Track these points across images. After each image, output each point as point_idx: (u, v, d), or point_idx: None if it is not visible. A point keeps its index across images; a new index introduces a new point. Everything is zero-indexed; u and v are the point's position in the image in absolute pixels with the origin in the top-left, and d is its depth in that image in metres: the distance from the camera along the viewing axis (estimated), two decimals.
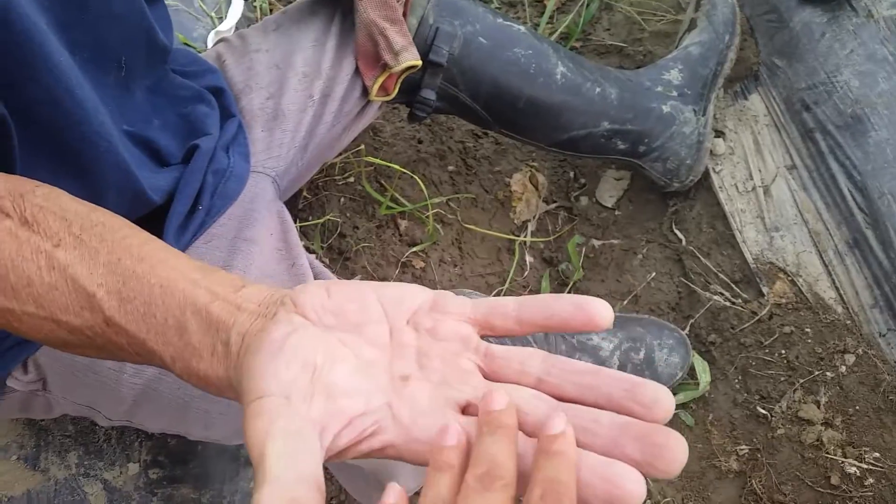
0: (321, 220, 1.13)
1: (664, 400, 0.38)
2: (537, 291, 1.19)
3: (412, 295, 0.45)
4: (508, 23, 1.05)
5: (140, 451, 0.86)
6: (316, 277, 0.77)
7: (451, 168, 1.30)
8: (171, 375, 0.61)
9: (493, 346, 0.43)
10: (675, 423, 1.07)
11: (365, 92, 0.94)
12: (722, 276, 1.14)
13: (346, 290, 0.44)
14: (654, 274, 1.18)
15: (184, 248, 0.74)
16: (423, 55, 0.96)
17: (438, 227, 1.20)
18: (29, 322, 0.46)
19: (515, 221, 1.25)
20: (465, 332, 0.43)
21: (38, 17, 0.52)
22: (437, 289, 0.47)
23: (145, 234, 0.49)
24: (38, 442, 0.86)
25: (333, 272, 0.87)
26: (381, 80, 0.92)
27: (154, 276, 0.44)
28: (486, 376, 0.42)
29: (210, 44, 1.17)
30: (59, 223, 0.47)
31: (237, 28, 1.21)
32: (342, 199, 1.19)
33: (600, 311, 0.41)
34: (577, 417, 0.38)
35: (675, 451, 0.35)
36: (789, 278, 1.09)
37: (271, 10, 1.33)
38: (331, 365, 0.40)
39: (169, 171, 0.75)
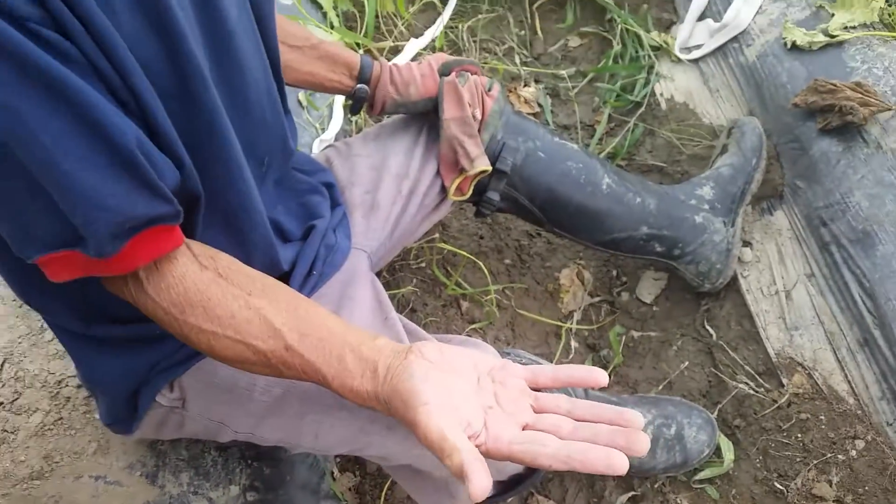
0: (400, 291, 1.32)
1: (637, 417, 0.64)
2: None
3: (491, 358, 0.72)
4: (563, 141, 1.26)
5: (241, 476, 1.03)
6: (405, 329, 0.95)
7: (507, 261, 1.49)
8: (293, 396, 0.81)
9: (539, 393, 0.70)
10: (701, 496, 1.19)
11: (443, 190, 1.15)
12: (747, 367, 1.28)
13: (452, 349, 0.70)
14: (686, 363, 1.32)
15: None
16: (491, 164, 1.17)
17: (495, 310, 1.37)
18: (224, 343, 0.68)
19: (563, 311, 1.41)
20: (522, 385, 0.70)
21: (221, 110, 0.72)
22: None
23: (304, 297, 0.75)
24: (157, 462, 1.03)
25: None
26: (457, 181, 1.13)
27: (321, 322, 0.70)
28: (536, 411, 0.69)
29: (315, 148, 1.41)
30: (246, 280, 0.70)
31: (336, 137, 1.45)
32: (414, 280, 1.39)
33: (599, 372, 0.68)
34: (589, 427, 0.64)
35: (644, 443, 0.62)
36: (807, 372, 1.22)
37: (365, 123, 1.57)
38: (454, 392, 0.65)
39: (292, 246, 0.95)
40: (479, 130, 1.15)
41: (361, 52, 1.07)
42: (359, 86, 1.07)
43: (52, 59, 0.53)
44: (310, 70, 1.04)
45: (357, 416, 0.88)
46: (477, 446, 0.62)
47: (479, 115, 1.12)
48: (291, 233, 0.97)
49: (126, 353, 0.85)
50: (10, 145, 0.55)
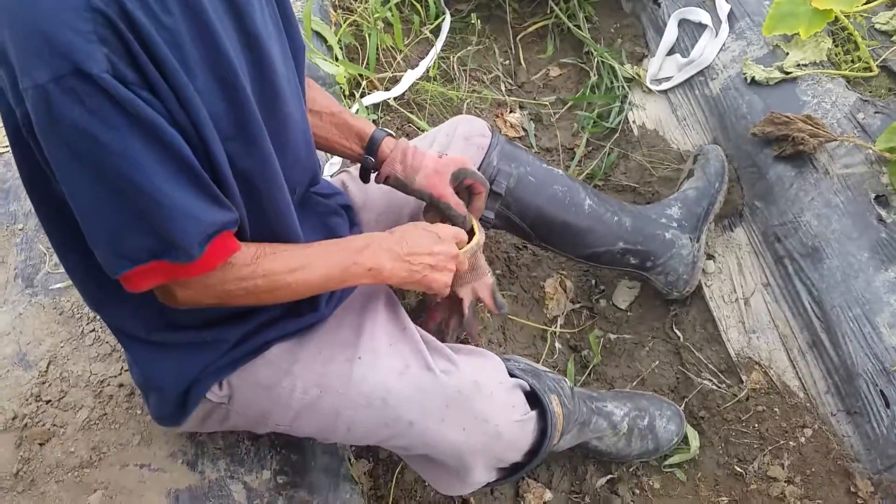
0: (405, 301, 1.46)
1: None
2: (564, 372, 1.50)
3: None
4: (550, 167, 1.42)
5: (272, 462, 1.17)
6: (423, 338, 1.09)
7: (498, 271, 1.64)
8: (330, 395, 0.96)
9: None
10: (670, 479, 1.35)
11: None
12: (711, 366, 1.45)
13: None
14: (657, 363, 1.49)
15: (330, 312, 1.08)
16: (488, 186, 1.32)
17: (488, 315, 1.53)
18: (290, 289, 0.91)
19: (548, 316, 1.58)
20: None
21: (271, 149, 0.88)
22: None
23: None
24: (196, 451, 1.17)
25: None
26: None
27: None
28: None
29: (326, 171, 1.55)
30: (280, 248, 0.92)
31: (343, 164, 1.59)
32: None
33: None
34: None
35: None
36: (763, 370, 1.39)
37: None
38: None
39: None
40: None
41: (373, 118, 1.17)
42: (365, 156, 1.15)
43: (149, 108, 0.70)
44: (325, 135, 1.15)
45: (382, 413, 1.02)
46: None
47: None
48: None
49: (182, 356, 0.99)
50: (117, 176, 0.71)
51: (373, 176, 1.17)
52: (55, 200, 0.83)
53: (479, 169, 1.32)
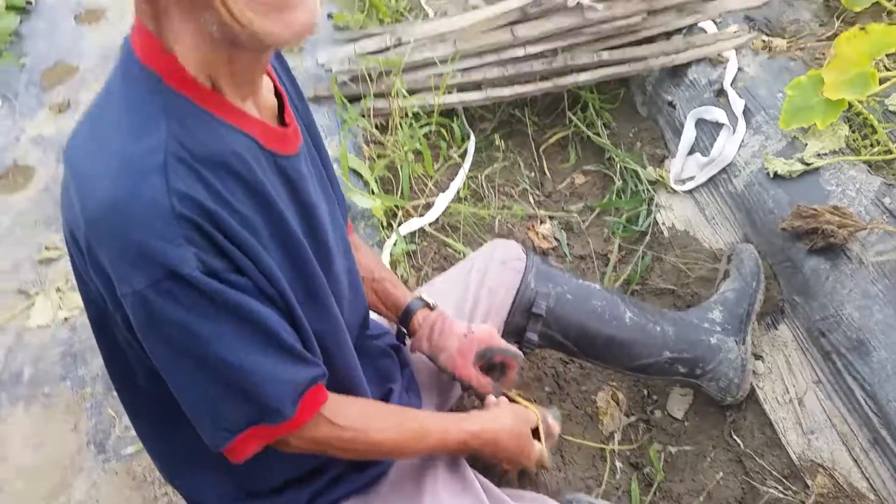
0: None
1: None
2: (628, 494, 1.49)
3: None
4: (587, 283, 1.46)
5: None
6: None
7: (547, 388, 1.66)
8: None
9: None
10: None
11: None
12: (774, 473, 1.43)
13: None
14: (721, 474, 1.48)
15: (391, 464, 1.11)
16: (527, 309, 1.37)
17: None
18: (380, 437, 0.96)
19: (603, 432, 1.58)
20: None
21: (336, 308, 0.94)
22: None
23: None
24: None
25: None
26: None
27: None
28: None
29: None
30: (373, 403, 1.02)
31: None
32: None
33: None
34: None
35: None
36: (827, 472, 1.37)
37: (417, 281, 1.79)
38: None
39: None
40: None
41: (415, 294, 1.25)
42: (399, 325, 1.25)
43: (236, 292, 0.77)
44: (367, 298, 1.21)
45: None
46: None
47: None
48: (372, 395, 1.16)
49: None
50: (214, 358, 0.77)
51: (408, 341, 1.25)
52: (132, 377, 0.90)
53: (517, 292, 1.37)
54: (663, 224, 1.96)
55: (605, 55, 2.09)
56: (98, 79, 2.44)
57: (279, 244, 0.84)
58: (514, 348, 1.24)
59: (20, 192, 2.04)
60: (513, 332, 1.39)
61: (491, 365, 1.24)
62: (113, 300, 0.77)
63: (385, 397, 1.17)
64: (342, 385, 0.98)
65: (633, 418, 1.61)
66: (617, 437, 1.57)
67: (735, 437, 1.50)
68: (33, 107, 2.33)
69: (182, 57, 0.73)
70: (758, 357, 1.57)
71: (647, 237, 1.95)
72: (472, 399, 1.43)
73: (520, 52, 2.10)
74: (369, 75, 2.08)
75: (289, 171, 0.86)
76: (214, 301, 0.75)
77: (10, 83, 2.41)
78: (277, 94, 0.90)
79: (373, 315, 1.24)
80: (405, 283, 1.77)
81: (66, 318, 1.71)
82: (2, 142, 2.19)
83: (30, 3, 2.72)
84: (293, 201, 0.88)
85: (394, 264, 1.80)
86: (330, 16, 2.49)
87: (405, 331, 1.24)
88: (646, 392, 1.65)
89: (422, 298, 1.23)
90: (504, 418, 1.12)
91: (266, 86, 0.88)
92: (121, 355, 0.88)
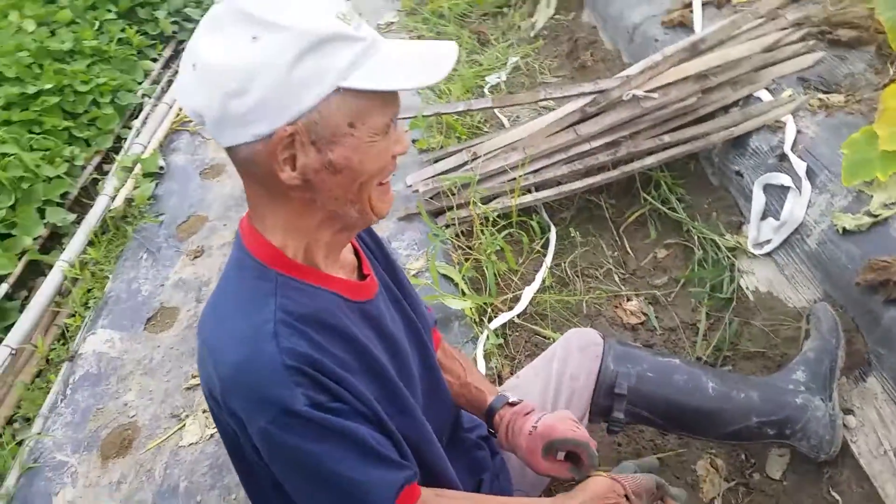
0: None
1: None
2: None
3: None
4: (666, 359, 1.56)
5: None
6: None
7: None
8: None
9: None
10: None
11: None
12: None
13: None
14: None
15: None
16: (610, 390, 1.48)
17: None
18: None
19: (704, 499, 1.64)
20: None
21: (423, 418, 1.11)
22: None
23: None
24: None
25: None
26: None
27: None
28: None
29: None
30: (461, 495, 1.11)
31: None
32: None
33: None
34: None
35: None
36: None
37: (502, 367, 1.94)
38: None
39: None
40: None
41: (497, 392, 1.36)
42: (486, 424, 1.37)
43: (337, 418, 0.95)
44: (454, 398, 1.37)
45: None
46: None
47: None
48: (465, 485, 1.31)
49: None
50: (325, 472, 0.96)
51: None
52: (264, 492, 1.09)
53: (597, 375, 1.49)
54: (747, 288, 2.02)
55: (667, 137, 2.23)
56: (225, 225, 2.82)
57: (368, 371, 1.02)
58: (576, 436, 1.26)
59: (167, 331, 2.38)
60: (599, 412, 1.50)
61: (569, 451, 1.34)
62: (244, 434, 0.98)
63: (477, 487, 1.31)
64: (435, 479, 1.14)
65: (732, 483, 1.66)
66: (717, 502, 1.62)
67: (833, 492, 1.52)
68: (172, 256, 2.71)
69: (280, 243, 0.97)
70: (848, 411, 1.59)
71: (733, 303, 2.01)
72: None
73: (585, 146, 2.27)
74: (451, 190, 2.31)
75: (371, 312, 1.07)
76: (321, 427, 0.94)
77: (153, 239, 2.82)
78: (356, 251, 1.13)
79: None
80: (498, 374, 1.92)
81: (211, 435, 1.98)
82: (150, 289, 2.56)
83: (162, 168, 3.17)
84: (377, 335, 1.07)
85: (487, 356, 1.96)
86: (414, 141, 2.77)
87: (491, 431, 1.35)
88: (744, 456, 1.70)
89: (503, 396, 1.37)
90: (586, 491, 1.21)
91: (346, 248, 1.10)
92: (253, 474, 1.09)
